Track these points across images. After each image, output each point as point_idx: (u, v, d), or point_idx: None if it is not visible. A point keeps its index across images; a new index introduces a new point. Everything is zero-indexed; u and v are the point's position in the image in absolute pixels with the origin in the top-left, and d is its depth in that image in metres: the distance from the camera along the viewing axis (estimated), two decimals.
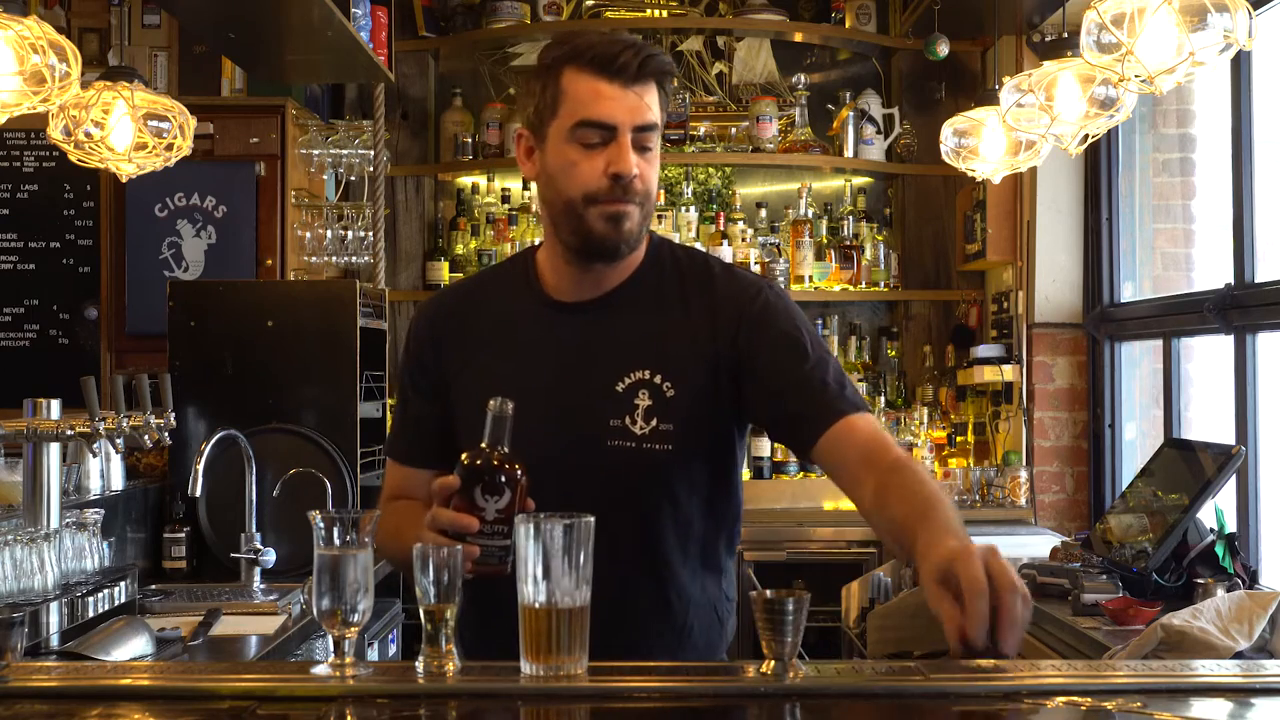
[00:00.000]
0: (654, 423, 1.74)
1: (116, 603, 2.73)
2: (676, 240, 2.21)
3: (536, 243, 1.92)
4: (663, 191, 4.92)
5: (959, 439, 4.85)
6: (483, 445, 1.61)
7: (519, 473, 1.61)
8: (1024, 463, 4.54)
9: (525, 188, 5.05)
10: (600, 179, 1.70)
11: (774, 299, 1.82)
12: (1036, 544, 3.96)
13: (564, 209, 1.74)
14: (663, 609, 1.81)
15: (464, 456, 1.62)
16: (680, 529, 1.80)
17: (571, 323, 1.81)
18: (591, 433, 1.75)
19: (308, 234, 4.45)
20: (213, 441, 3.16)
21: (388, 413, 4.03)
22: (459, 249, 4.97)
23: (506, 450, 1.61)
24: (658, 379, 1.76)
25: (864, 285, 4.94)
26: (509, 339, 1.83)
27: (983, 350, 4.70)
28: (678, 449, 1.75)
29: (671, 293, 1.82)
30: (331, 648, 1.43)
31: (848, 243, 4.93)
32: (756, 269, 4.76)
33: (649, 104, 1.73)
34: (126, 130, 3.06)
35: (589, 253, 1.76)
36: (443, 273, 4.89)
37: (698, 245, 4.68)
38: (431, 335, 1.88)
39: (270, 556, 3.29)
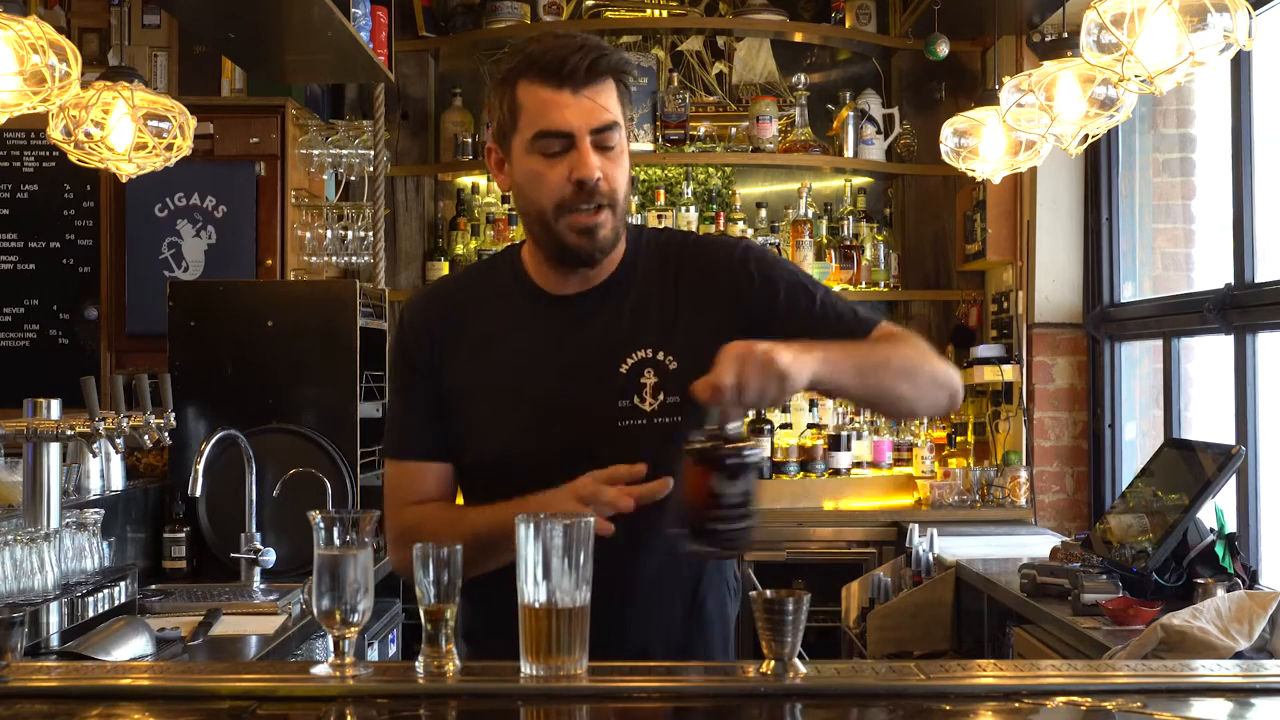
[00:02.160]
0: (661, 397, 1.76)
1: (116, 603, 2.73)
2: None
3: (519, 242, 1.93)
4: (662, 191, 4.92)
5: (959, 439, 4.85)
6: (712, 428, 1.53)
7: (759, 452, 1.56)
8: (1024, 463, 4.54)
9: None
10: (565, 186, 1.71)
11: (763, 252, 1.88)
12: (1036, 544, 3.96)
13: (537, 219, 1.76)
14: (676, 579, 1.82)
15: (701, 440, 1.53)
16: None
17: (567, 314, 1.82)
18: (602, 417, 1.76)
19: (308, 234, 4.45)
20: (213, 441, 3.16)
21: (386, 414, 4.03)
22: (459, 249, 4.97)
23: (737, 431, 1.55)
24: (660, 355, 1.78)
25: (864, 285, 4.94)
26: (507, 335, 1.83)
27: (983, 350, 4.70)
28: (686, 419, 1.75)
29: (661, 271, 1.84)
30: (331, 648, 1.44)
31: (848, 243, 4.93)
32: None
33: (604, 104, 1.72)
34: (126, 130, 3.06)
35: (565, 261, 1.78)
36: (442, 272, 4.88)
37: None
38: (428, 333, 1.87)
39: (270, 556, 3.29)
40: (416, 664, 1.43)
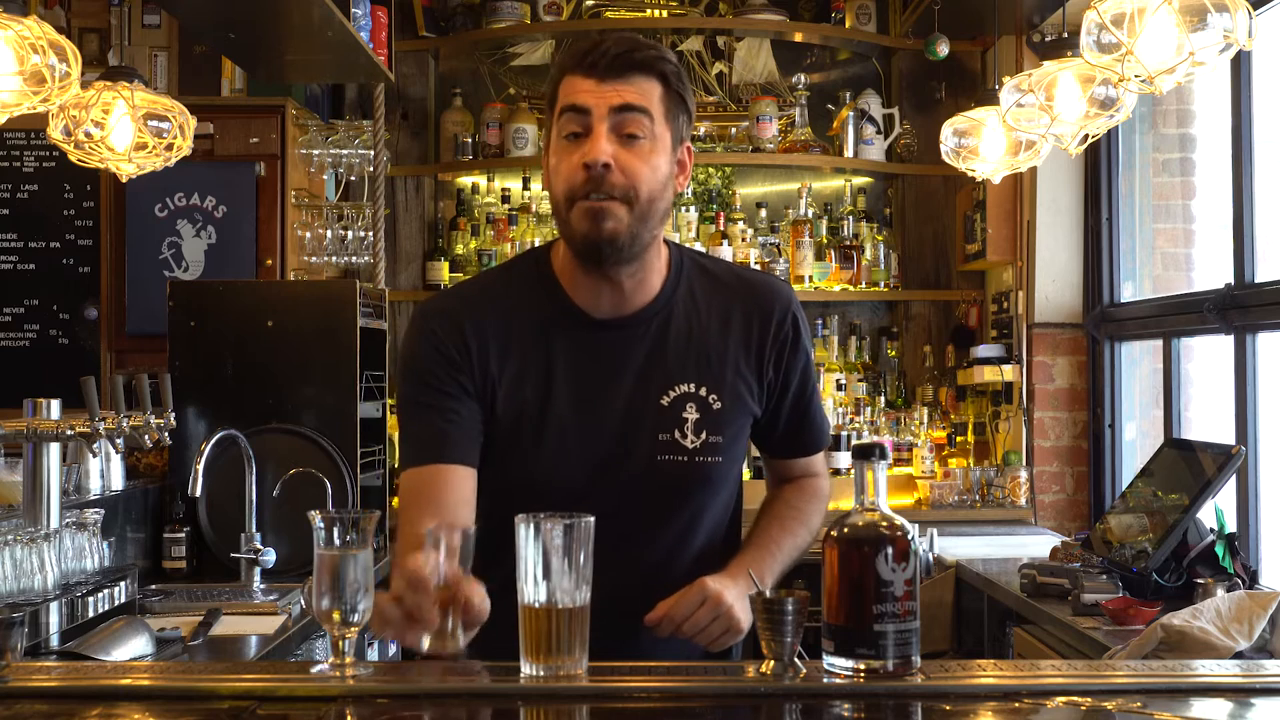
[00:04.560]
0: (704, 435, 1.75)
1: (116, 603, 2.73)
2: (678, 241, 2.18)
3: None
4: None
5: (959, 439, 4.85)
6: (865, 503, 1.38)
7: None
8: (1024, 463, 4.54)
9: (525, 188, 5.06)
10: (577, 172, 1.67)
11: (802, 317, 1.87)
12: (1036, 544, 3.96)
13: (557, 210, 1.73)
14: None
15: (853, 519, 1.37)
16: (714, 534, 1.82)
17: (609, 339, 1.77)
18: (641, 448, 1.74)
19: (308, 234, 4.45)
20: (213, 441, 3.16)
21: (388, 413, 4.03)
22: (459, 249, 4.97)
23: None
24: (703, 391, 1.76)
25: (864, 285, 4.94)
26: (548, 355, 1.76)
27: (983, 350, 4.70)
28: (726, 460, 1.77)
29: (707, 305, 1.80)
30: (331, 648, 1.44)
31: (848, 243, 4.93)
32: (756, 269, 4.76)
33: (630, 91, 1.68)
34: (126, 130, 3.06)
35: (581, 255, 1.72)
36: (443, 273, 4.89)
37: (698, 245, 4.68)
38: (463, 335, 1.76)
39: (270, 556, 3.29)
40: (424, 642, 1.40)
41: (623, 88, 1.68)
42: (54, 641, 2.43)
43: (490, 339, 1.76)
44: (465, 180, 5.13)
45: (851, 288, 4.92)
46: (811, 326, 4.90)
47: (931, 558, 4.03)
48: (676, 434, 1.74)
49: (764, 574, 1.73)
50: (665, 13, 5.05)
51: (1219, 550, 2.95)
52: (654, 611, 1.63)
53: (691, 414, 1.75)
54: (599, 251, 1.69)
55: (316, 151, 4.50)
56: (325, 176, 4.64)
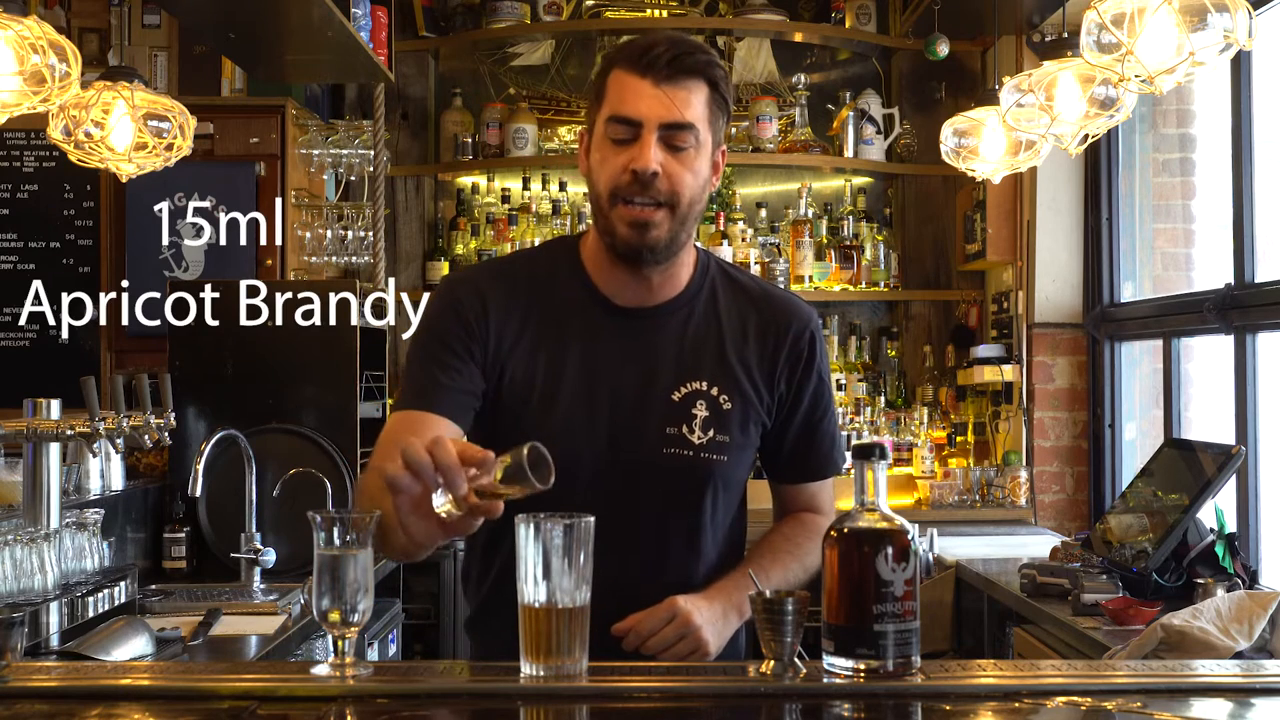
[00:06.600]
0: (711, 433, 1.76)
1: (116, 603, 2.74)
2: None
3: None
4: None
5: (959, 439, 4.85)
6: (865, 503, 1.39)
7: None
8: (1024, 463, 4.54)
9: (525, 188, 5.06)
10: (623, 174, 1.69)
11: (821, 338, 1.88)
12: (1036, 544, 3.96)
13: (597, 206, 1.75)
14: None
15: (853, 519, 1.38)
16: (719, 533, 1.82)
17: (629, 328, 1.79)
18: (648, 438, 1.75)
19: (308, 234, 4.45)
20: (213, 441, 3.16)
21: (388, 412, 4.02)
22: (459, 249, 4.97)
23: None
24: (714, 391, 1.78)
25: (864, 285, 4.94)
26: (565, 336, 1.78)
27: (983, 350, 4.70)
28: (731, 460, 1.78)
29: (728, 309, 1.83)
30: (331, 648, 1.43)
31: (848, 243, 4.93)
32: (756, 269, 4.76)
33: (681, 103, 1.69)
34: (126, 130, 3.06)
35: (619, 254, 1.74)
36: (442, 273, 4.89)
37: (698, 245, 4.68)
38: (484, 311, 1.77)
39: (270, 556, 3.29)
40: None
41: (674, 92, 1.69)
42: (54, 641, 2.43)
43: (510, 313, 1.78)
44: (465, 180, 5.13)
45: (851, 288, 4.92)
46: None
47: (931, 558, 4.03)
48: (684, 429, 1.76)
49: (742, 600, 1.70)
50: (665, 13, 5.05)
51: (1219, 550, 2.95)
52: (623, 622, 1.61)
53: (701, 411, 1.76)
54: (638, 256, 1.73)
55: (316, 151, 4.50)
56: (325, 176, 4.64)
